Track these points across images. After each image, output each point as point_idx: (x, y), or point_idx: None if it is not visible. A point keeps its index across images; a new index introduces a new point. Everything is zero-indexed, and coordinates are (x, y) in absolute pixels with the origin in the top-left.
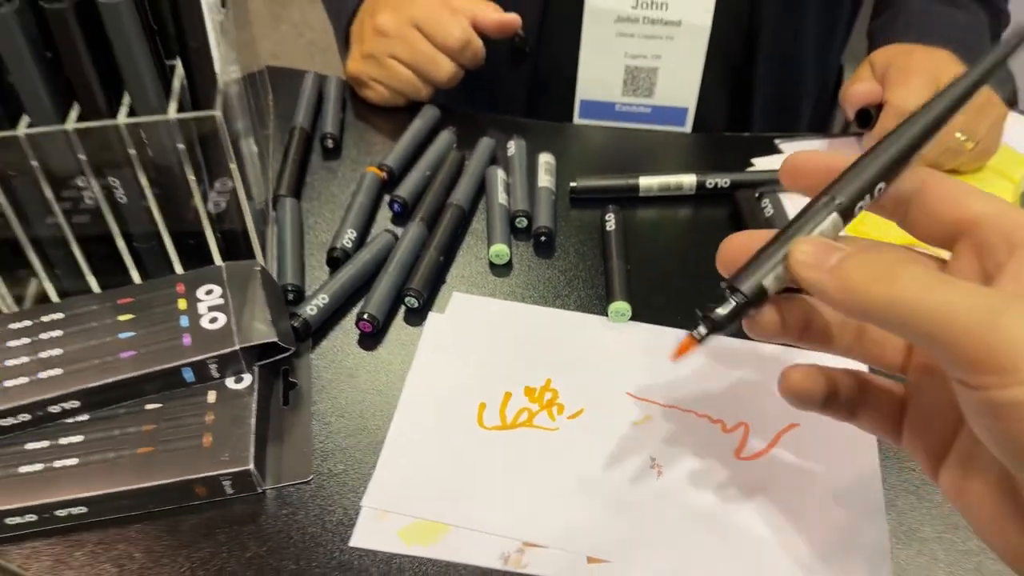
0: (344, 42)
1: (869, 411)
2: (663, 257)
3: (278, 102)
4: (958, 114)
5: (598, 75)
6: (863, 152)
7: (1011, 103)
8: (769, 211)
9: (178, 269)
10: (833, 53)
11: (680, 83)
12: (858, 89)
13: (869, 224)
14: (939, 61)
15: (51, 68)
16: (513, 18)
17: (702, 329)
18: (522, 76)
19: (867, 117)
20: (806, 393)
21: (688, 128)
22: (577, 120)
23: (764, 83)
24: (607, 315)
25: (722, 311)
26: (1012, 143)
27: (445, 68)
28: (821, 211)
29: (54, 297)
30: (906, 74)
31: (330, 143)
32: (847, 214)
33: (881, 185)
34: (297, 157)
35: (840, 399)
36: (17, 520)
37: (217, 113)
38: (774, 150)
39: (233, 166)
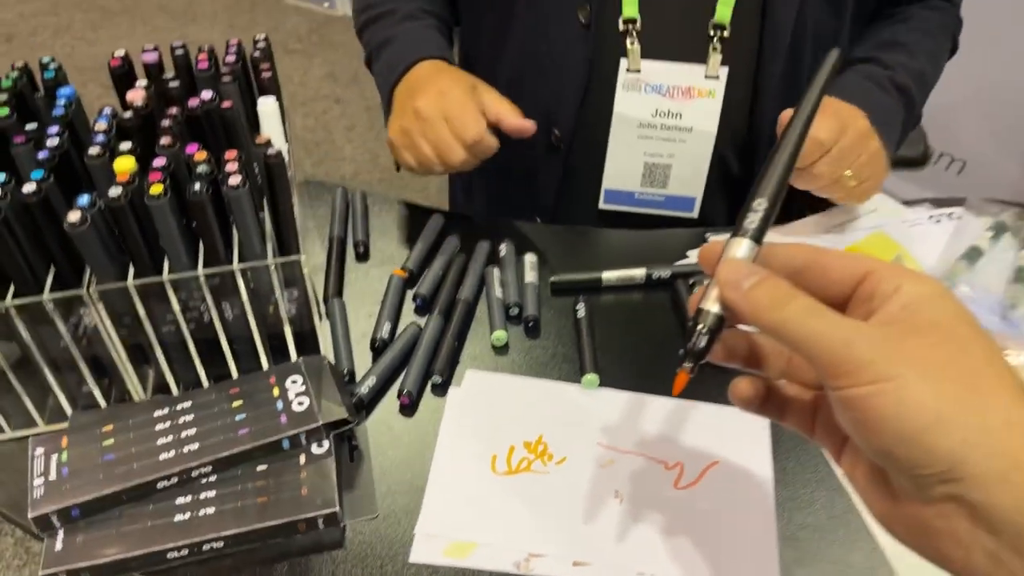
0: (387, 103)
1: (792, 413)
2: (622, 335)
3: (311, 213)
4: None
5: (621, 169)
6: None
7: (923, 160)
8: None
9: (264, 363)
10: None
11: (690, 177)
12: (785, 117)
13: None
14: (854, 114)
15: (188, 233)
16: (530, 125)
17: (687, 364)
18: (555, 167)
19: None
20: (748, 397)
21: (696, 214)
22: (602, 205)
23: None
24: (581, 383)
25: (701, 342)
26: (887, 230)
27: (458, 156)
28: (736, 238)
29: (174, 388)
30: (825, 115)
31: (361, 248)
32: (758, 242)
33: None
34: (337, 263)
35: (772, 404)
36: (175, 555)
37: (302, 257)
38: (705, 242)
39: (307, 284)
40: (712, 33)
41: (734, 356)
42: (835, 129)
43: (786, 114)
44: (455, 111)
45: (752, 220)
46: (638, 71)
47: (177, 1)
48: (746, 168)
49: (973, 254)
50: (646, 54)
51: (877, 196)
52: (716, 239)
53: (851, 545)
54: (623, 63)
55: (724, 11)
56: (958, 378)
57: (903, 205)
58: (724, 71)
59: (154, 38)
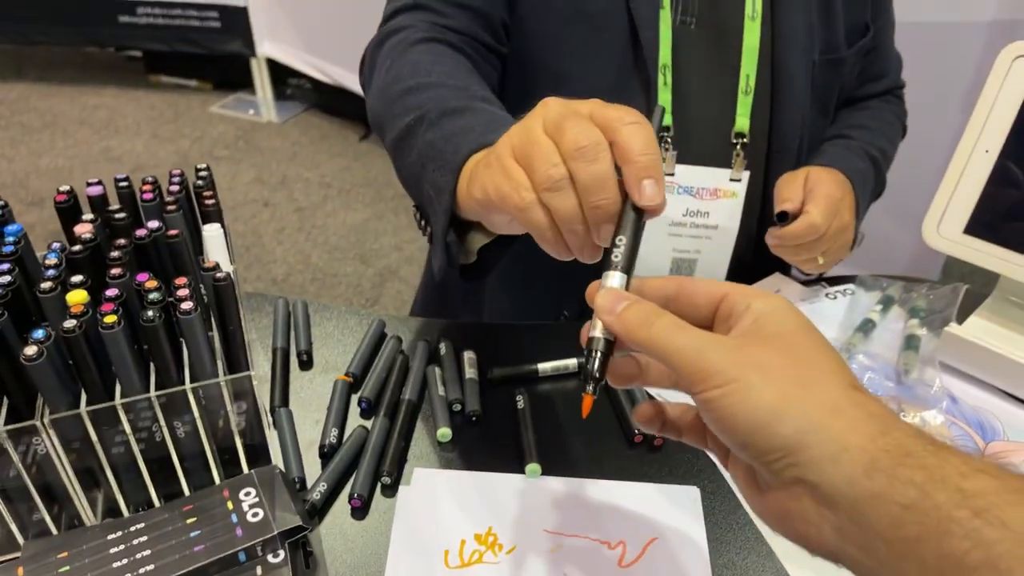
0: (454, 174)
1: (688, 430)
2: (561, 422)
3: (253, 324)
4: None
5: (650, 264)
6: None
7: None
8: None
9: (216, 477)
10: None
11: (712, 270)
12: (786, 203)
13: None
14: (845, 191)
15: (140, 357)
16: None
17: (589, 387)
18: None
19: (784, 216)
20: (649, 417)
21: None
22: None
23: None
24: (525, 473)
25: (595, 364)
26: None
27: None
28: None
29: (124, 510)
30: (821, 198)
31: (304, 357)
32: (628, 272)
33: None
34: (282, 373)
35: (670, 424)
36: None
37: (253, 372)
38: None
39: (256, 396)
40: (735, 140)
41: (626, 378)
42: (829, 216)
43: (786, 202)
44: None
45: (617, 255)
46: (672, 175)
47: (98, 114)
48: (759, 258)
49: (867, 326)
50: (679, 160)
51: (779, 278)
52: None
53: None
54: None
55: (743, 122)
56: (794, 377)
57: (802, 285)
58: (746, 174)
59: (75, 152)
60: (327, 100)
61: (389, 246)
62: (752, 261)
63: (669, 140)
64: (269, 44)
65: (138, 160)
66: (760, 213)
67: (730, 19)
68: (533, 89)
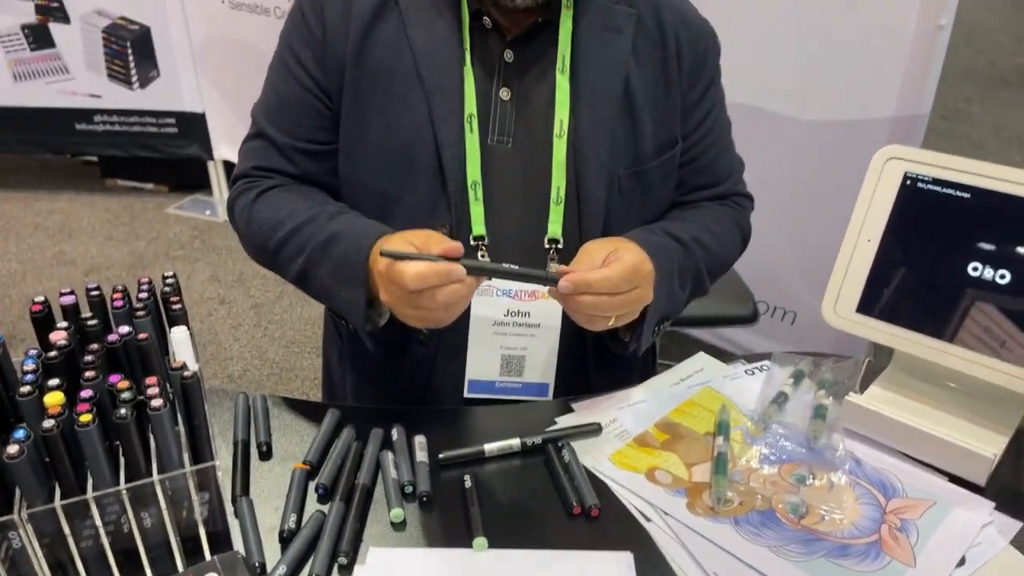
0: (359, 289)
1: None
2: (506, 498)
3: (216, 419)
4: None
5: (481, 361)
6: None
7: (753, 317)
8: (567, 457)
9: (179, 565)
10: None
11: (541, 366)
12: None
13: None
14: (647, 281)
15: (110, 452)
16: (456, 245)
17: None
18: (424, 360)
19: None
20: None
21: (551, 396)
22: (467, 393)
23: (598, 363)
24: (473, 547)
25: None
26: (713, 385)
27: (449, 313)
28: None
29: None
30: (627, 266)
31: (264, 448)
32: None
33: None
34: (243, 464)
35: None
36: None
37: (217, 463)
38: (569, 410)
39: (218, 486)
40: (548, 246)
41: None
42: (629, 281)
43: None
44: (415, 284)
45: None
46: (490, 280)
47: (52, 219)
48: (585, 352)
49: (781, 399)
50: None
51: (703, 357)
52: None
53: None
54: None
55: (555, 228)
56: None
57: (723, 363)
58: None
59: (28, 256)
60: None
61: None
62: (581, 355)
63: (484, 247)
64: (225, 147)
65: (92, 262)
66: None
67: (541, 137)
68: (365, 207)
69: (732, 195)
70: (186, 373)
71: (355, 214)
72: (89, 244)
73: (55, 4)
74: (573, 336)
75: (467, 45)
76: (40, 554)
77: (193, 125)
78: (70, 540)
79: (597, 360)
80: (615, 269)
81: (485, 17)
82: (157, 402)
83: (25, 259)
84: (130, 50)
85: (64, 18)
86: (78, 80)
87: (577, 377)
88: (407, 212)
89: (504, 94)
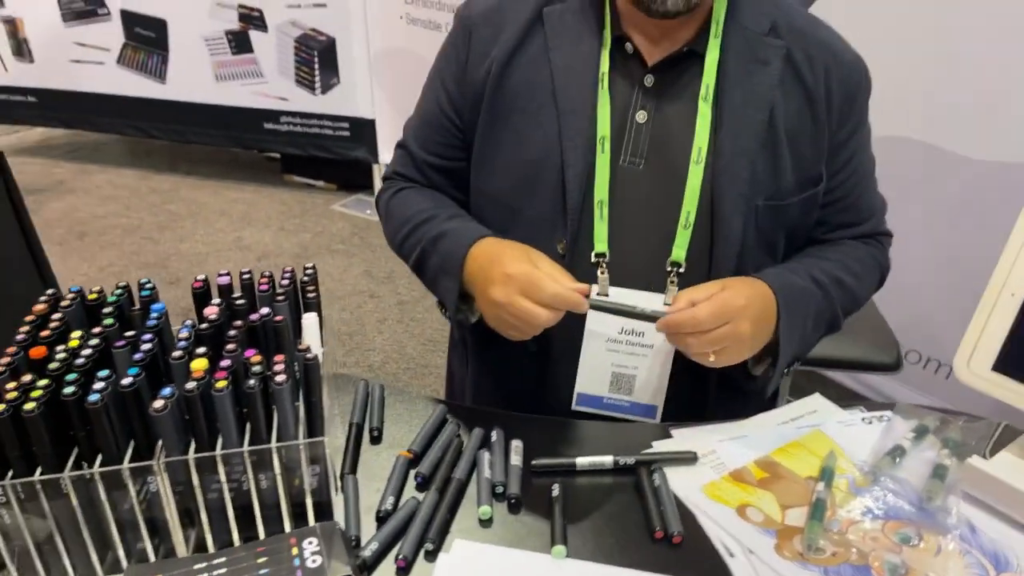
0: (455, 283)
1: None
2: (591, 513)
3: (337, 401)
4: None
5: (591, 376)
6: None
7: (896, 365)
8: (657, 482)
9: (286, 526)
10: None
11: (652, 387)
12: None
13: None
14: (755, 303)
15: (239, 417)
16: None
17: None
18: (533, 372)
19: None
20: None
21: (658, 419)
22: (575, 406)
23: (719, 394)
24: (551, 554)
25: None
26: (824, 429)
27: (543, 317)
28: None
29: (211, 547)
30: (717, 300)
31: (375, 433)
32: None
33: None
34: (354, 445)
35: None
36: None
37: (326, 439)
38: (668, 435)
39: (327, 462)
40: (669, 268)
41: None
42: (715, 317)
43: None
44: (525, 285)
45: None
46: (606, 295)
47: (236, 207)
48: (699, 385)
49: (897, 452)
50: (614, 282)
51: (818, 399)
52: (685, 434)
53: None
54: (593, 288)
55: (679, 252)
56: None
57: (840, 408)
58: None
59: (211, 239)
60: None
61: None
62: (700, 383)
63: (605, 264)
64: (389, 152)
65: (265, 249)
66: None
67: (676, 161)
68: (489, 217)
69: (875, 235)
70: (308, 355)
71: (467, 218)
72: (264, 232)
73: (256, 13)
74: (691, 363)
75: (605, 68)
76: (172, 500)
77: (363, 130)
78: (198, 491)
79: (719, 390)
80: (702, 308)
81: (628, 43)
82: (281, 378)
83: (209, 242)
84: (316, 59)
85: (263, 27)
86: (270, 83)
87: (692, 404)
88: (527, 225)
89: (640, 117)
